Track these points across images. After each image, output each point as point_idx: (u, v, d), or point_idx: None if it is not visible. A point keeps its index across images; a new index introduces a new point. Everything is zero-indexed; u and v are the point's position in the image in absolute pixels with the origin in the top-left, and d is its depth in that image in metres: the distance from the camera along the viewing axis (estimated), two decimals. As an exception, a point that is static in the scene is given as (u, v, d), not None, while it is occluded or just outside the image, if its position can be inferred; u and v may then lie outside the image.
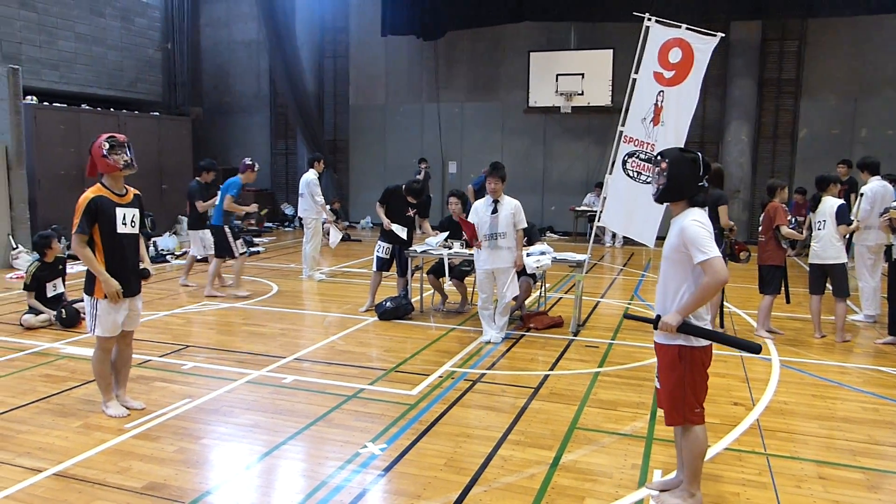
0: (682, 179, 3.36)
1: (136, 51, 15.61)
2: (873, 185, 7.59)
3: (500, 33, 16.26)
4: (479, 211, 6.71)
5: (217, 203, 8.92)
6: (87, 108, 13.70)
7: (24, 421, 4.66)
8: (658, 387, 3.60)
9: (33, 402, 5.03)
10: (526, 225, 6.78)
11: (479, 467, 4.04)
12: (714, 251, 3.25)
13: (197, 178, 9.41)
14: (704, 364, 3.46)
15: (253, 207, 9.11)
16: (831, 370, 6.08)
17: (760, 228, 7.10)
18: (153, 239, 12.88)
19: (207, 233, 9.22)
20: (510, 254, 6.67)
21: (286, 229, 17.53)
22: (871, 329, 7.54)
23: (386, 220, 7.98)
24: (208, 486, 3.81)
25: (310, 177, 10.04)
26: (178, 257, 12.28)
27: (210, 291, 8.85)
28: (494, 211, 6.62)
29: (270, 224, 17.52)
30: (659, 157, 3.45)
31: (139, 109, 15.40)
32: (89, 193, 4.53)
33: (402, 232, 7.97)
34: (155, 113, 15.53)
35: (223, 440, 4.41)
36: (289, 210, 18.26)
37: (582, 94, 15.16)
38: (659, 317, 3.43)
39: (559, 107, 15.41)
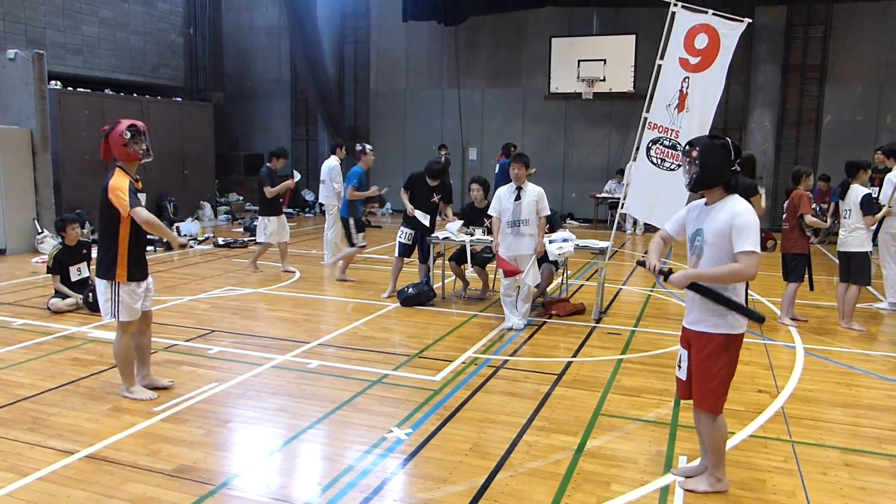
0: (715, 166, 3.35)
1: (159, 36, 15.69)
2: None
3: (522, 19, 16.13)
4: (503, 198, 6.69)
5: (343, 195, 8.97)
6: (111, 93, 13.81)
7: (54, 404, 4.75)
8: (681, 377, 3.61)
9: (63, 385, 5.13)
10: (549, 212, 6.77)
11: (504, 452, 4.07)
12: (758, 247, 3.26)
13: (267, 164, 9.41)
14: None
15: (373, 191, 8.93)
16: (856, 358, 6.03)
17: (784, 216, 7.02)
18: (176, 224, 13.03)
19: (273, 219, 9.32)
20: (532, 241, 6.68)
21: (307, 215, 17.61)
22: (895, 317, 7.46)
23: (409, 207, 7.98)
24: (236, 468, 3.87)
25: (332, 163, 10.06)
26: (200, 242, 12.37)
27: (341, 276, 9.15)
28: (518, 198, 6.61)
29: (291, 210, 17.60)
30: (688, 147, 3.43)
31: (161, 95, 15.51)
32: (124, 178, 4.55)
33: (424, 219, 7.97)
34: (177, 98, 15.62)
35: (250, 424, 4.47)
36: (309, 196, 18.32)
37: (604, 80, 15.02)
38: (671, 270, 3.46)
39: (581, 93, 15.28)
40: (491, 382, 5.29)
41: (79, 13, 13.72)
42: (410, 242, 8.12)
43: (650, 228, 13.74)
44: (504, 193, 6.71)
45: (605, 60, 14.97)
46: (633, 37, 14.76)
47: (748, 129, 14.82)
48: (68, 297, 7.33)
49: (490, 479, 3.74)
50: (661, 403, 4.88)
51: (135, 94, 14.48)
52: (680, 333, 3.70)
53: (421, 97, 17.68)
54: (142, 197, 4.68)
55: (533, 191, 6.65)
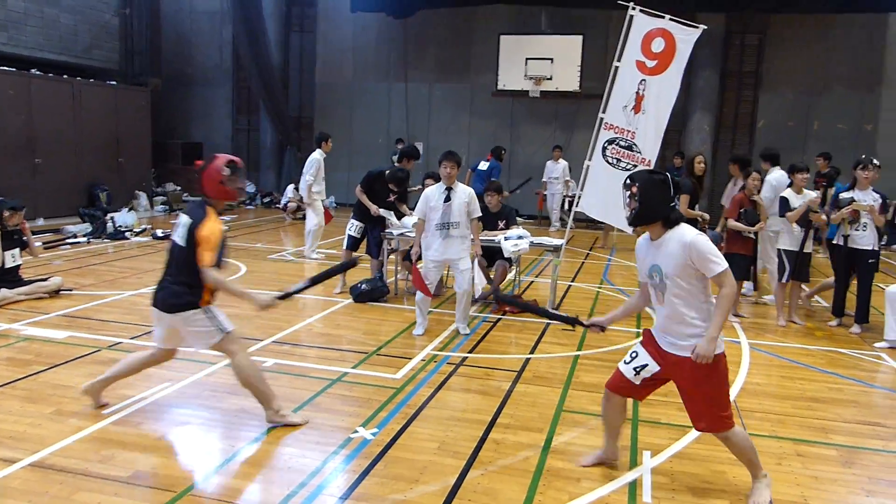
0: (654, 202, 3.39)
1: (92, 15, 14.92)
2: (776, 175, 7.92)
3: (472, 14, 16.15)
4: (431, 198, 6.40)
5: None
6: (38, 73, 13.08)
7: (-9, 406, 4.47)
8: (636, 382, 3.64)
9: (-1, 385, 4.83)
10: (480, 214, 6.51)
11: (472, 451, 4.05)
12: (724, 261, 3.33)
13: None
14: None
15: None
16: (797, 352, 6.29)
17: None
18: (110, 214, 12.48)
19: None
20: (463, 243, 6.39)
21: (248, 207, 17.18)
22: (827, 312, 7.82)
23: (374, 207, 7.85)
24: (198, 474, 3.72)
25: (315, 157, 9.84)
26: (137, 234, 11.89)
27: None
28: (448, 199, 6.32)
29: (231, 203, 17.11)
30: (629, 181, 3.46)
31: (94, 77, 14.79)
32: (216, 223, 4.05)
33: (389, 215, 7.89)
34: (112, 82, 14.95)
35: (209, 426, 4.32)
36: (250, 188, 17.88)
37: (550, 78, 15.19)
38: (577, 319, 3.84)
39: (528, 91, 15.40)
40: (452, 380, 5.26)
41: (5, -13, 12.92)
42: (359, 236, 8.01)
43: (593, 226, 13.97)
44: (433, 194, 6.39)
45: (552, 59, 15.15)
46: (581, 37, 14.99)
47: (688, 131, 15.27)
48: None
49: (461, 478, 3.72)
50: (621, 400, 4.95)
51: (65, 76, 13.77)
52: (640, 334, 3.75)
53: (368, 90, 17.47)
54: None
55: (463, 192, 6.37)
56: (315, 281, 4.35)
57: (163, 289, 4.19)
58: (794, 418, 4.75)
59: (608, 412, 3.83)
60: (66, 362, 5.34)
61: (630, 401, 4.86)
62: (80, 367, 5.21)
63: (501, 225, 7.76)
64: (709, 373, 3.39)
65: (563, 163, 14.62)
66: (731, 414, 3.49)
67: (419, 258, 6.66)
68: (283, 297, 4.23)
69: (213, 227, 4.03)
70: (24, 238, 7.39)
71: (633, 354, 3.69)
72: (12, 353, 5.57)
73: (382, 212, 7.88)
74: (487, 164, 12.89)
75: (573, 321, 3.95)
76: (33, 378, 4.97)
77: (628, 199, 3.45)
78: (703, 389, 3.43)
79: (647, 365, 3.61)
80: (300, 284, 4.27)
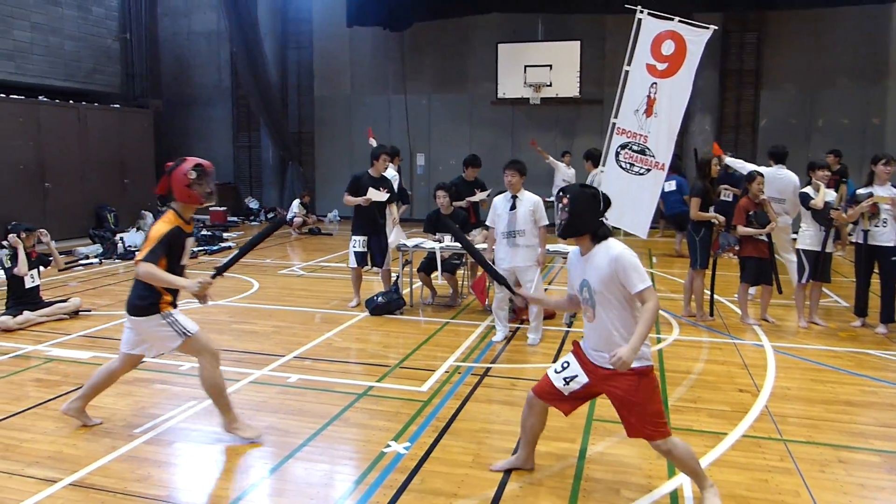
0: (583, 214, 3.44)
1: (94, 41, 15.00)
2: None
3: (468, 24, 16.19)
4: (498, 206, 6.46)
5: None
6: (46, 99, 13.13)
7: (24, 429, 4.45)
8: (564, 392, 3.60)
9: (30, 408, 4.82)
10: (548, 222, 6.48)
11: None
12: (648, 279, 3.35)
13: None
14: None
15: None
16: (823, 355, 6.26)
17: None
18: (119, 235, 12.47)
19: None
20: (529, 252, 6.37)
21: (252, 223, 17.18)
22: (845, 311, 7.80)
23: (361, 198, 7.70)
24: (236, 492, 3.70)
25: (393, 172, 9.53)
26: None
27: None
28: (513, 207, 6.35)
29: (235, 218, 17.15)
30: (561, 194, 3.51)
31: (98, 101, 14.85)
32: (165, 225, 4.06)
33: (379, 197, 7.77)
34: (115, 105, 14.99)
35: (240, 443, 4.28)
36: (253, 204, 17.91)
37: (550, 85, 15.23)
38: (508, 284, 4.00)
39: (528, 98, 15.44)
40: (479, 391, 5.24)
41: (10, 17, 12.97)
42: (365, 249, 7.93)
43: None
44: (500, 203, 6.46)
45: (550, 66, 15.19)
46: (578, 43, 15.04)
47: (689, 133, 15.28)
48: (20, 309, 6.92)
49: (500, 492, 3.70)
50: (650, 405, 4.93)
51: (71, 101, 13.81)
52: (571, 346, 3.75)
53: (366, 103, 17.51)
54: (190, 242, 4.27)
55: (529, 200, 6.36)
56: (244, 250, 4.30)
57: (130, 293, 4.24)
58: (831, 423, 4.69)
59: (529, 418, 3.79)
60: (93, 384, 5.32)
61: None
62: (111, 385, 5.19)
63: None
64: (639, 385, 3.38)
65: (572, 170, 14.61)
66: (665, 423, 3.46)
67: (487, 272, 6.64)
68: (216, 275, 4.18)
69: (158, 226, 4.07)
70: (45, 256, 7.42)
71: (565, 364, 3.65)
72: (41, 374, 5.58)
73: (371, 192, 7.69)
74: None
75: (506, 285, 4.08)
76: (64, 398, 4.93)
77: (560, 212, 3.51)
78: (635, 401, 3.40)
79: (576, 376, 3.57)
80: (230, 257, 4.21)
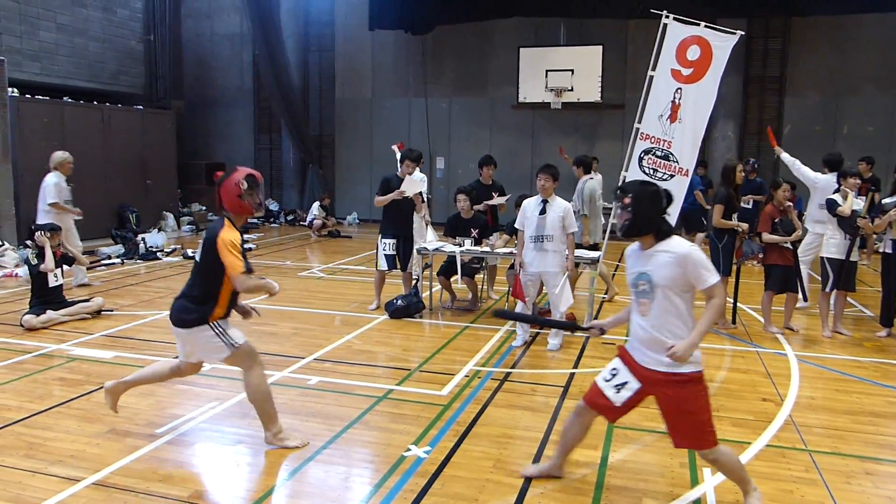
0: (647, 214, 3.36)
1: (118, 42, 15.21)
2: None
3: (489, 28, 16.19)
4: (528, 210, 6.44)
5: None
6: (70, 100, 13.31)
7: (48, 427, 4.49)
8: (616, 402, 3.50)
9: (53, 406, 4.86)
10: (576, 229, 6.47)
11: (529, 469, 4.00)
12: (717, 273, 3.31)
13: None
14: None
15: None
16: (848, 364, 6.17)
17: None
18: (141, 235, 12.59)
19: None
20: (557, 258, 6.34)
21: (272, 225, 17.27)
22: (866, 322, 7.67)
23: (393, 193, 7.60)
24: (257, 493, 3.71)
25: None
26: (168, 254, 11.98)
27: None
28: (543, 212, 6.32)
29: (255, 220, 17.24)
30: (621, 193, 3.44)
31: (121, 102, 15.03)
32: (235, 232, 4.03)
33: (417, 185, 7.71)
34: (139, 106, 15.16)
35: (260, 445, 4.29)
36: (273, 206, 18.00)
37: (571, 90, 15.17)
38: (575, 324, 3.80)
39: (549, 102, 15.40)
40: (499, 396, 5.22)
41: (36, 18, 13.20)
42: (394, 252, 7.92)
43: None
44: (530, 206, 6.44)
45: (572, 70, 15.13)
46: (600, 47, 14.96)
47: (712, 139, 15.17)
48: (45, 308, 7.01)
49: (521, 498, 3.68)
50: (672, 414, 4.88)
51: (95, 102, 13.99)
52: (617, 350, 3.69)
53: (387, 106, 17.56)
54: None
55: (560, 206, 6.32)
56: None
57: (175, 303, 4.20)
58: (857, 434, 4.62)
59: (573, 427, 3.72)
60: (116, 383, 5.37)
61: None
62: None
63: (475, 233, 7.79)
64: (690, 392, 3.32)
65: (599, 175, 14.48)
66: (714, 431, 3.38)
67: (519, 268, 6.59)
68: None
69: (230, 233, 4.00)
70: (69, 255, 7.54)
71: (614, 371, 3.57)
72: (64, 373, 5.63)
73: (406, 181, 7.62)
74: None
75: (572, 326, 3.92)
76: (87, 398, 5.00)
77: (620, 211, 3.42)
78: (686, 409, 3.33)
79: (627, 382, 3.50)
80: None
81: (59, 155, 8.94)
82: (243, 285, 4.00)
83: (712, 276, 3.27)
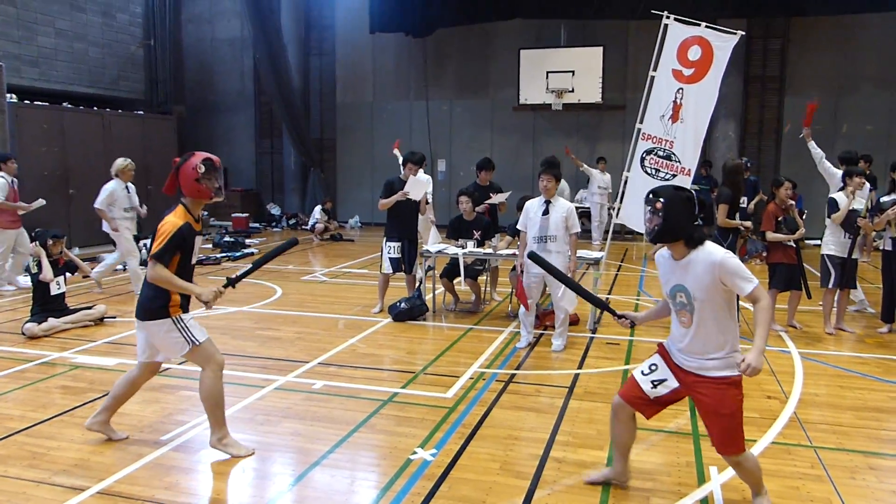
0: (679, 220, 3.26)
1: (118, 47, 15.24)
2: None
3: (490, 30, 16.22)
4: (531, 211, 6.44)
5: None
6: (70, 106, 13.33)
7: (51, 436, 4.48)
8: (656, 394, 3.49)
9: (56, 415, 4.84)
10: (579, 230, 6.46)
11: (535, 470, 3.99)
12: (754, 277, 3.23)
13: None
14: None
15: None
16: (851, 361, 6.16)
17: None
18: (142, 242, 12.57)
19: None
20: (560, 258, 6.30)
21: (274, 230, 17.29)
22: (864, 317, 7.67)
23: (395, 196, 7.62)
24: (263, 499, 3.70)
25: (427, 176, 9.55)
26: (170, 260, 11.96)
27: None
28: (546, 212, 6.32)
29: (257, 224, 17.27)
30: (652, 196, 3.34)
31: (121, 108, 15.05)
32: (177, 219, 3.96)
33: (418, 186, 7.70)
34: (139, 112, 15.18)
35: (267, 450, 4.28)
36: (275, 210, 18.02)
37: (572, 91, 15.18)
38: (616, 312, 3.69)
39: (550, 104, 15.40)
40: (504, 398, 5.21)
41: (34, 23, 13.22)
42: (399, 255, 7.92)
43: (619, 237, 13.89)
44: (532, 207, 6.44)
45: (573, 72, 15.14)
46: (601, 49, 14.99)
47: (713, 139, 15.14)
48: (47, 316, 6.99)
49: (528, 499, 3.66)
50: (678, 413, 4.86)
51: (95, 108, 14.00)
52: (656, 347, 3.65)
53: (388, 109, 17.58)
54: (199, 241, 4.17)
55: (563, 206, 6.33)
56: (257, 265, 4.19)
57: (140, 295, 4.14)
58: (861, 430, 4.62)
59: (617, 428, 3.66)
60: (119, 390, 5.36)
61: (688, 413, 4.85)
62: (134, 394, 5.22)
63: (477, 235, 7.79)
64: (727, 394, 3.29)
65: (607, 175, 14.54)
66: (743, 437, 3.35)
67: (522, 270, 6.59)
68: (228, 285, 4.09)
69: (169, 219, 3.94)
70: (72, 263, 7.55)
71: (653, 367, 3.54)
72: (67, 381, 5.61)
73: (410, 181, 7.63)
74: None
75: (607, 307, 3.79)
76: (90, 406, 4.98)
77: (650, 215, 3.33)
78: (722, 412, 3.30)
79: (666, 380, 3.47)
80: (243, 270, 4.17)
81: (120, 162, 8.90)
82: (149, 273, 3.89)
83: (749, 283, 3.17)
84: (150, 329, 4.10)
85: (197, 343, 4.09)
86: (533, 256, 4.24)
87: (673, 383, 3.46)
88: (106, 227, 8.87)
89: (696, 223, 3.29)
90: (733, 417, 3.31)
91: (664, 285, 3.48)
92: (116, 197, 8.72)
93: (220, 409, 4.17)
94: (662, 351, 3.56)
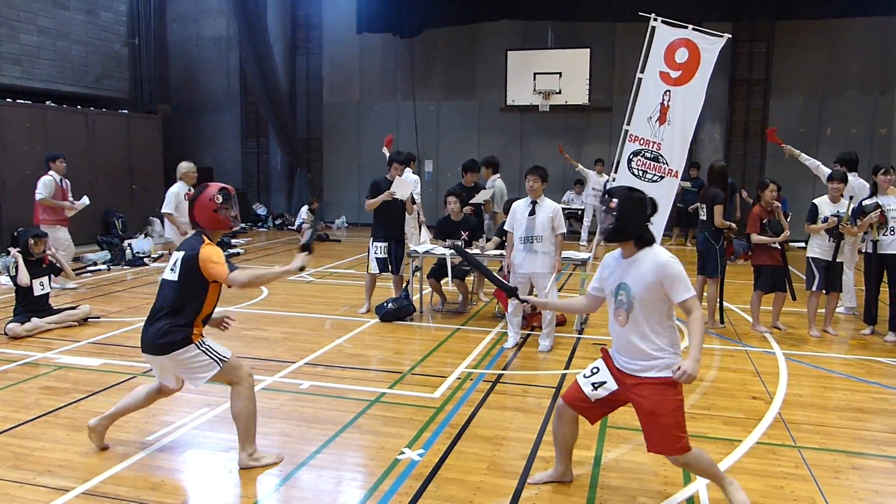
0: (630, 219, 3.37)
1: (102, 46, 15.07)
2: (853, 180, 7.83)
3: (478, 31, 16.23)
4: (517, 212, 6.45)
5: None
6: (53, 104, 13.18)
7: (36, 437, 4.43)
8: (597, 395, 3.53)
9: (40, 416, 4.79)
10: (565, 230, 6.48)
11: (522, 469, 4.01)
12: (692, 288, 3.32)
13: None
14: None
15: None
16: (834, 362, 6.23)
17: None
18: (127, 241, 12.49)
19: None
20: (547, 259, 6.34)
21: (260, 230, 17.21)
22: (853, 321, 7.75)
23: (381, 196, 7.59)
24: (250, 499, 3.68)
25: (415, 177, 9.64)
26: (155, 260, 11.90)
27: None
28: (532, 213, 6.35)
29: (243, 225, 17.17)
30: (607, 196, 3.45)
31: (105, 107, 14.89)
32: (212, 244, 3.94)
33: (405, 186, 7.68)
34: (124, 111, 15.04)
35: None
36: (261, 210, 17.94)
37: (559, 92, 15.23)
38: (515, 290, 3.97)
39: (537, 105, 15.45)
40: (491, 398, 5.22)
41: (16, 21, 13.04)
42: (386, 255, 7.91)
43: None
44: (519, 207, 6.46)
45: (560, 73, 15.20)
46: (588, 50, 15.05)
47: (699, 141, 15.26)
48: (28, 317, 6.91)
49: (516, 499, 3.67)
50: (664, 414, 4.89)
51: (78, 107, 13.86)
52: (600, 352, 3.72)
53: (375, 109, 17.56)
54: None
55: (549, 206, 6.36)
56: (315, 228, 4.22)
57: (148, 331, 3.95)
58: (844, 430, 4.68)
59: (560, 429, 3.71)
60: (104, 389, 5.33)
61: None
62: (118, 394, 5.16)
63: (465, 235, 7.81)
64: (665, 396, 3.33)
65: (604, 177, 14.55)
66: (686, 437, 3.37)
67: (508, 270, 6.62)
68: (304, 249, 4.02)
69: (206, 247, 3.88)
70: (57, 265, 7.43)
71: (595, 370, 3.59)
72: (50, 381, 5.56)
73: (396, 182, 7.59)
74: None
75: (510, 290, 3.97)
76: (74, 406, 4.94)
77: (605, 215, 3.43)
78: (660, 412, 3.33)
79: (605, 382, 3.52)
80: (308, 235, 4.20)
81: (184, 165, 8.69)
82: (239, 281, 3.83)
83: (687, 292, 3.27)
84: (176, 360, 3.93)
85: (226, 360, 4.02)
86: (456, 248, 4.37)
87: (612, 385, 3.51)
88: (170, 231, 8.55)
89: (647, 224, 3.41)
90: (671, 417, 3.33)
91: (608, 284, 3.52)
92: (180, 200, 8.49)
93: (254, 423, 4.06)
94: (605, 355, 3.62)
